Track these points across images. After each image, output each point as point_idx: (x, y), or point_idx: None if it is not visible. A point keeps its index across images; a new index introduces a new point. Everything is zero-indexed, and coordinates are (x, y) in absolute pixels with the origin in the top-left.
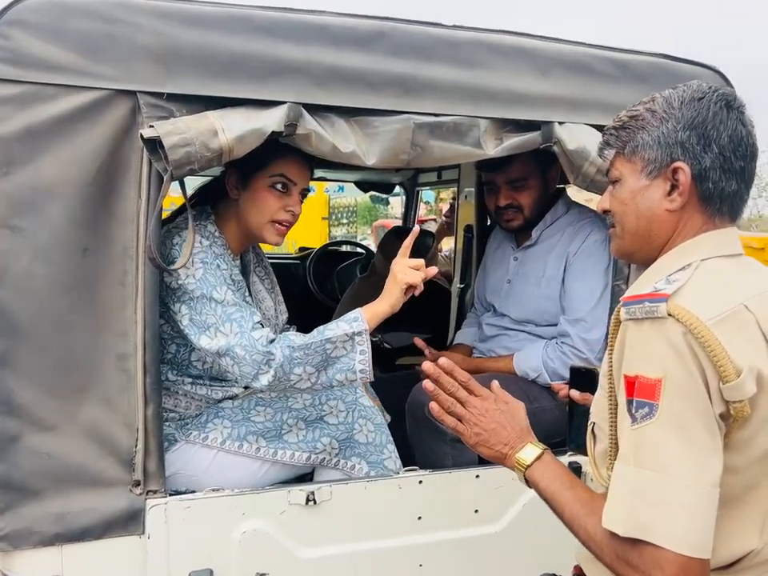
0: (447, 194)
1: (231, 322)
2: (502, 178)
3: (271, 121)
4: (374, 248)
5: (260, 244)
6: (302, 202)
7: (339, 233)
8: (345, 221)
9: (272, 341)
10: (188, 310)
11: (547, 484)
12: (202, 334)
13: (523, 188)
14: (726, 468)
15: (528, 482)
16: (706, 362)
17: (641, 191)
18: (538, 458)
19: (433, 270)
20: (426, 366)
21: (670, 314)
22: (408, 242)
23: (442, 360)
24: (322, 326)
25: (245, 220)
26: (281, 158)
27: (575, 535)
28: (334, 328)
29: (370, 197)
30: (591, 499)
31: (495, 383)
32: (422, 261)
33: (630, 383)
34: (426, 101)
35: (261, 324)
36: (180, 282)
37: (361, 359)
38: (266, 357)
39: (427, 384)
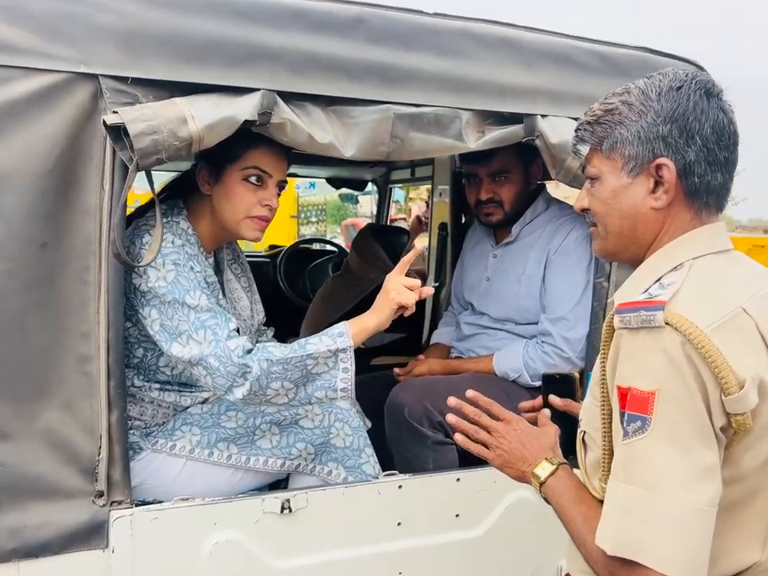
0: (417, 193)
1: (205, 329)
2: (485, 170)
3: (244, 109)
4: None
5: (237, 240)
6: (279, 195)
7: (308, 231)
8: (314, 219)
9: (249, 351)
10: (159, 315)
11: (557, 500)
12: (174, 341)
13: (505, 181)
14: (726, 479)
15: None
16: (707, 374)
17: (623, 190)
18: (552, 473)
19: (427, 291)
20: (451, 400)
21: (667, 323)
22: (408, 259)
23: (470, 392)
24: (303, 339)
25: (219, 216)
26: (254, 149)
27: (579, 550)
28: (317, 342)
29: (340, 195)
30: (594, 516)
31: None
32: (418, 281)
33: (623, 395)
34: (407, 91)
35: (237, 332)
36: (150, 284)
37: (343, 377)
38: (242, 369)
39: (450, 417)
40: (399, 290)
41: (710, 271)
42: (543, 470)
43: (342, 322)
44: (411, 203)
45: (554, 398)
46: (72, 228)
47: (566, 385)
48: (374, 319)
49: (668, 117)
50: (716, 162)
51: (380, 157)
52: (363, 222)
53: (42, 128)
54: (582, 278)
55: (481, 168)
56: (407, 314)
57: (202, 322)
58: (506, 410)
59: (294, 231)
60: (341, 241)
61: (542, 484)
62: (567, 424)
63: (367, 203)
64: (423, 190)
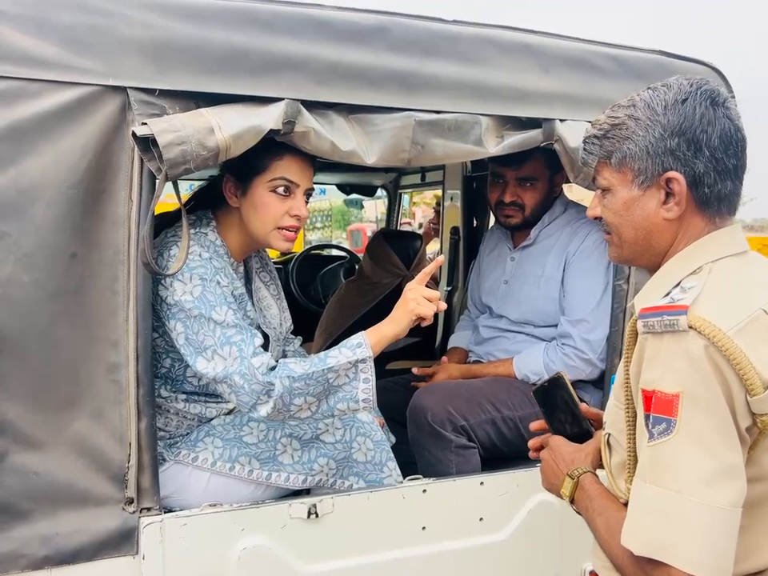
0: (421, 197)
1: (231, 345)
2: (513, 173)
3: (269, 118)
4: None
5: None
6: (307, 202)
7: (314, 237)
8: (319, 225)
9: (273, 368)
10: (184, 329)
11: (585, 514)
12: (199, 356)
13: (530, 188)
14: (749, 479)
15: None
16: (731, 376)
17: (634, 202)
18: (576, 486)
19: (443, 306)
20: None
21: (690, 327)
22: (430, 270)
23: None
24: (323, 353)
25: (249, 228)
26: (279, 159)
27: (607, 556)
28: (337, 355)
29: (344, 201)
30: (616, 524)
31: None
32: (437, 293)
33: (648, 398)
34: (427, 97)
35: (263, 347)
36: (177, 298)
37: (364, 388)
38: (266, 387)
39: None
40: (419, 301)
41: (729, 273)
42: (567, 486)
43: (360, 333)
44: (415, 207)
45: (585, 407)
46: (101, 238)
47: (559, 388)
48: (393, 328)
49: (675, 130)
50: (725, 171)
51: (401, 163)
52: (368, 227)
53: (71, 140)
54: (602, 280)
55: (509, 170)
56: (424, 324)
57: (227, 337)
58: (549, 437)
59: (301, 237)
60: (346, 246)
61: (571, 501)
62: (579, 432)
63: (372, 208)
64: (427, 194)
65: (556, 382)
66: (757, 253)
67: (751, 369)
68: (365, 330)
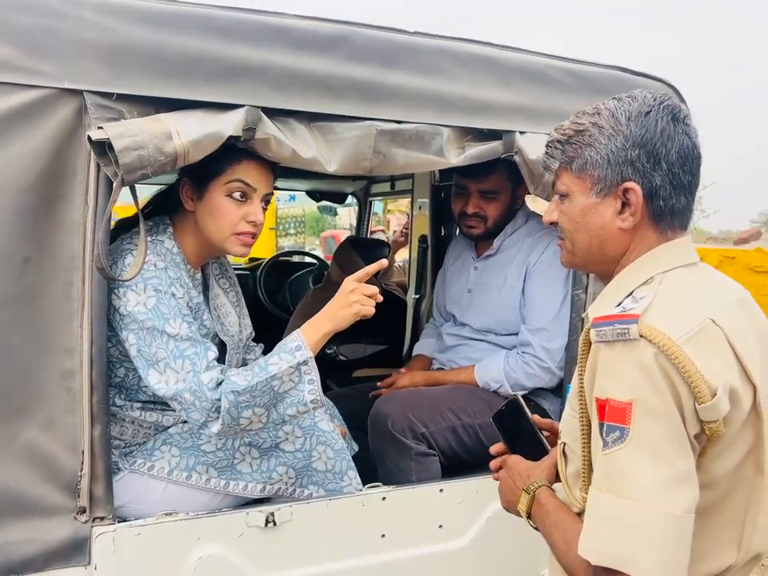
0: (395, 205)
1: (184, 359)
2: (476, 185)
3: (229, 125)
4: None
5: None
6: (265, 209)
7: (287, 243)
8: (292, 231)
9: (220, 383)
10: (136, 340)
11: (542, 528)
12: (151, 368)
13: (493, 200)
14: (699, 486)
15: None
16: (680, 384)
17: (591, 209)
18: (532, 502)
19: (379, 297)
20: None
21: (641, 335)
22: (372, 270)
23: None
24: (263, 360)
25: (204, 233)
26: (237, 163)
27: (565, 570)
28: (277, 362)
29: (318, 207)
30: (574, 535)
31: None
32: (376, 289)
33: (602, 407)
34: (388, 107)
35: (220, 359)
36: (129, 309)
37: (310, 389)
38: (214, 404)
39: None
40: (363, 301)
41: (679, 284)
42: (523, 502)
43: (297, 332)
44: (390, 215)
45: (537, 418)
46: (56, 243)
47: (515, 411)
48: (332, 326)
49: (636, 142)
50: (680, 186)
51: (363, 171)
52: (342, 234)
53: (26, 144)
54: (561, 289)
55: (472, 183)
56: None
57: (181, 351)
58: (506, 457)
59: (273, 243)
60: (319, 253)
61: (529, 517)
62: (537, 453)
63: (346, 215)
64: (401, 202)
65: (512, 405)
66: (707, 264)
67: (699, 377)
68: (334, 336)
